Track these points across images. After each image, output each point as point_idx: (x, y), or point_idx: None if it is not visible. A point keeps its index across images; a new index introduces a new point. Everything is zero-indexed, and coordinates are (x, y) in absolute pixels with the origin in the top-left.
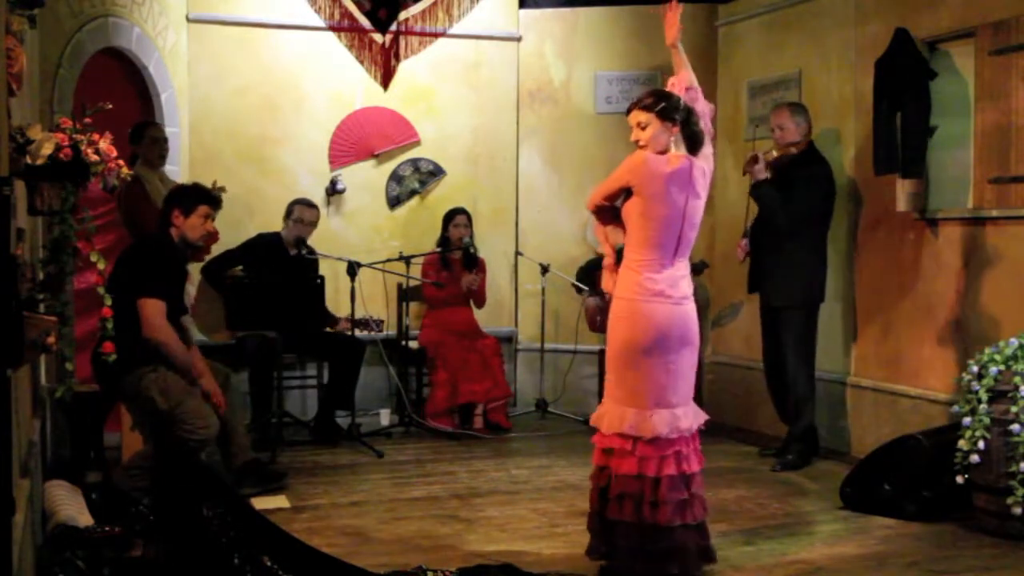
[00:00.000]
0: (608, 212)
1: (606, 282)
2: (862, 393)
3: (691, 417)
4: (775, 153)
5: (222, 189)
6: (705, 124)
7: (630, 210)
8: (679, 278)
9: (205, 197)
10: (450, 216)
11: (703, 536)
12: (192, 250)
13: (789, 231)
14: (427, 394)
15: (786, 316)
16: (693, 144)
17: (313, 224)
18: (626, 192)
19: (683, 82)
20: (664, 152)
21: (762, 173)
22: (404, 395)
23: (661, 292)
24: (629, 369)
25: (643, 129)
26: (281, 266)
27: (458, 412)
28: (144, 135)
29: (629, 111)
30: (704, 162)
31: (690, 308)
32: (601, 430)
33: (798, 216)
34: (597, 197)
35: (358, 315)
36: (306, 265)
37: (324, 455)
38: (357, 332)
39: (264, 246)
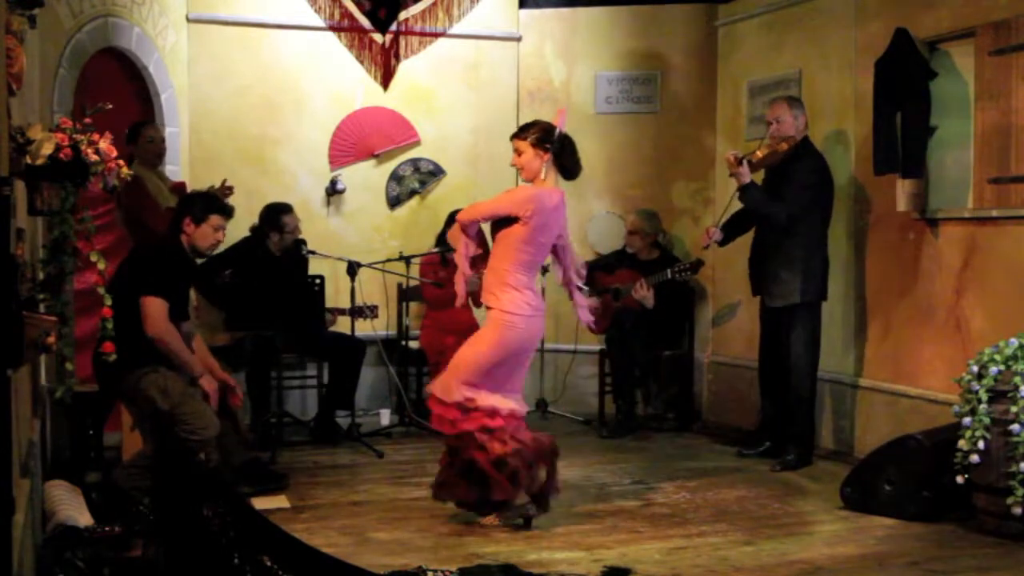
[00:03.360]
0: (474, 228)
1: (459, 288)
2: (862, 393)
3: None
4: (760, 153)
5: (230, 189)
6: (570, 273)
7: (509, 235)
8: (539, 292)
9: (218, 207)
10: (453, 217)
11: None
12: (200, 258)
13: (788, 228)
14: (427, 395)
15: (789, 316)
16: (569, 174)
17: (298, 225)
18: (507, 219)
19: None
20: (535, 175)
21: (746, 176)
22: (404, 395)
23: (538, 307)
24: (504, 366)
25: (519, 155)
26: (268, 266)
27: None
28: (140, 135)
29: (512, 139)
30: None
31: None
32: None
33: (797, 212)
34: (478, 215)
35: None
36: (294, 263)
37: (324, 455)
38: (354, 321)
39: (251, 248)
